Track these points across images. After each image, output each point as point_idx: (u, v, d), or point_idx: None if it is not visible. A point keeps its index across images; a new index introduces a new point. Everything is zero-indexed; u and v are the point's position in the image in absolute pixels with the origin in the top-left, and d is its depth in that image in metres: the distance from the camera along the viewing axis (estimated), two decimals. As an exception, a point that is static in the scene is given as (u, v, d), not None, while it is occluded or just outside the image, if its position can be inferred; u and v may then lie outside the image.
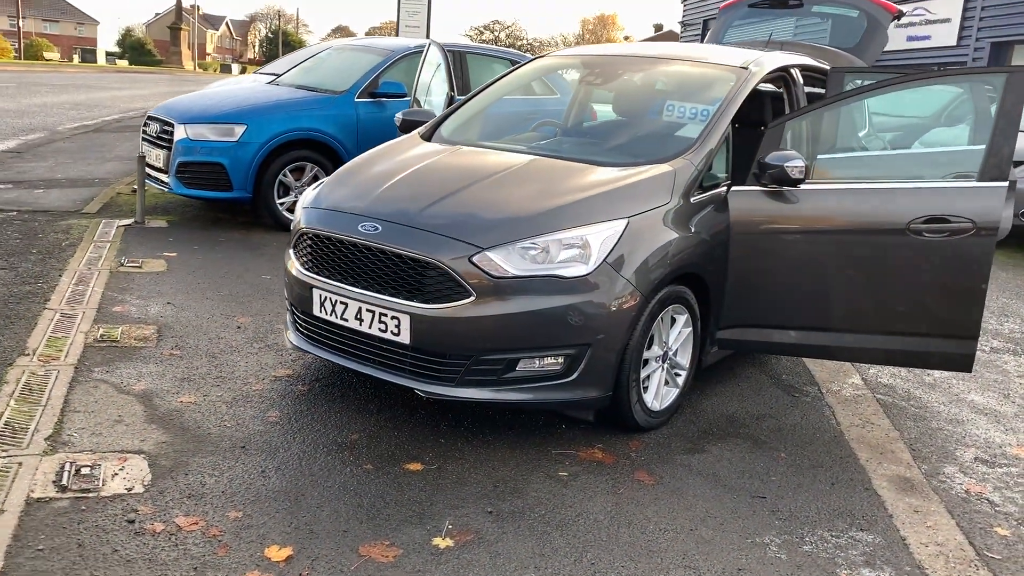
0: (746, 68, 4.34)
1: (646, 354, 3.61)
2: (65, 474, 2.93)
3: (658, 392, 3.75)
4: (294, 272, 3.72)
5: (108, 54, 60.55)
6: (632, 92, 4.86)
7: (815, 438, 3.85)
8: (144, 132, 7.67)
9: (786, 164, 3.78)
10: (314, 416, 3.58)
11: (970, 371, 3.83)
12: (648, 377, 3.70)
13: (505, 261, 3.24)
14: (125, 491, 2.86)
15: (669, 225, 3.62)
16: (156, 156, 7.26)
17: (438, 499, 2.99)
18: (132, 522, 2.68)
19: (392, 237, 3.39)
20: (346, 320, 3.48)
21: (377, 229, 3.43)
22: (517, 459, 3.36)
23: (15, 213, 7.09)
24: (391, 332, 3.37)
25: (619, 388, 3.51)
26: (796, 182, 3.80)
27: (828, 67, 4.96)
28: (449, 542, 2.73)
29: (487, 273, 3.22)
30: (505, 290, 3.24)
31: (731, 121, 4.07)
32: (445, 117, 4.71)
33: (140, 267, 5.64)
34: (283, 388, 3.83)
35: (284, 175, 7.20)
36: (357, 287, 3.44)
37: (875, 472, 3.54)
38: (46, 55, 55.63)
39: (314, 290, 3.60)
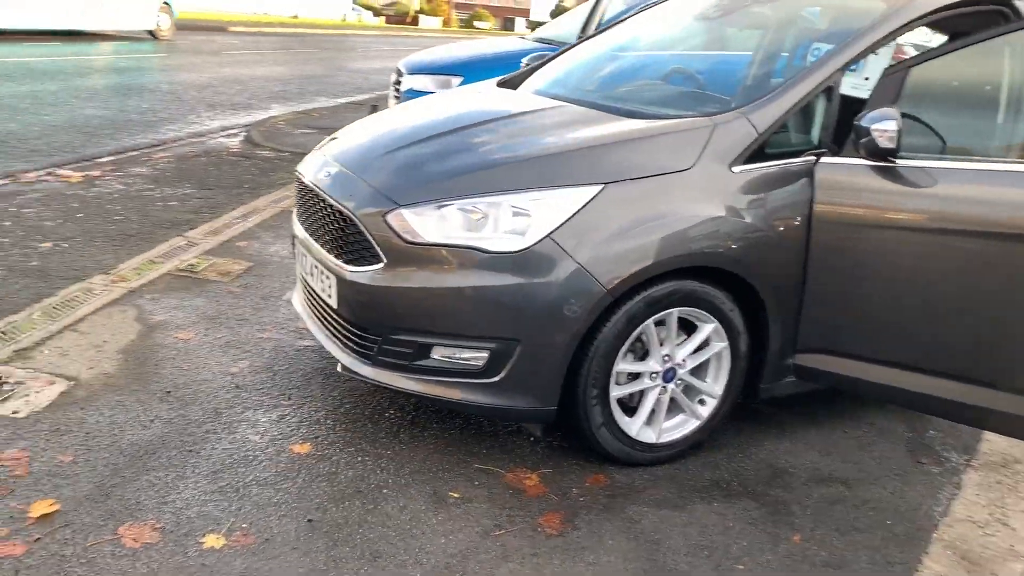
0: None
1: (628, 366, 2.76)
2: (-20, 386, 3.00)
3: (656, 419, 2.87)
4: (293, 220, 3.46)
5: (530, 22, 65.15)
6: (752, 28, 3.77)
7: (878, 524, 2.66)
8: (393, 84, 7.92)
9: (873, 126, 2.61)
10: (269, 384, 3.31)
11: None
12: (638, 397, 2.84)
13: (420, 223, 2.64)
14: (11, 414, 2.85)
15: (682, 199, 2.70)
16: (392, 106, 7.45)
17: (284, 490, 2.56)
18: (-28, 444, 2.65)
19: (335, 185, 2.96)
20: (307, 276, 3.14)
21: (330, 175, 3.02)
22: (422, 463, 2.77)
23: (279, 153, 7.74)
24: (326, 294, 2.96)
25: (572, 404, 2.73)
26: (885, 153, 2.61)
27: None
28: (222, 542, 2.30)
29: (398, 235, 2.65)
30: (416, 258, 2.65)
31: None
32: (546, 63, 4.07)
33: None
34: (273, 348, 3.60)
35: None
36: (315, 240, 3.07)
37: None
38: (477, 24, 61.66)
39: (294, 240, 3.32)
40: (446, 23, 52.24)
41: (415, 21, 53.10)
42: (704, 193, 2.73)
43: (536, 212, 2.59)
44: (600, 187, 2.63)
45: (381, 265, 2.68)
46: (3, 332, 3.45)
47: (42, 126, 8.14)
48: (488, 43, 8.45)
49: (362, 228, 2.72)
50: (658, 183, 2.70)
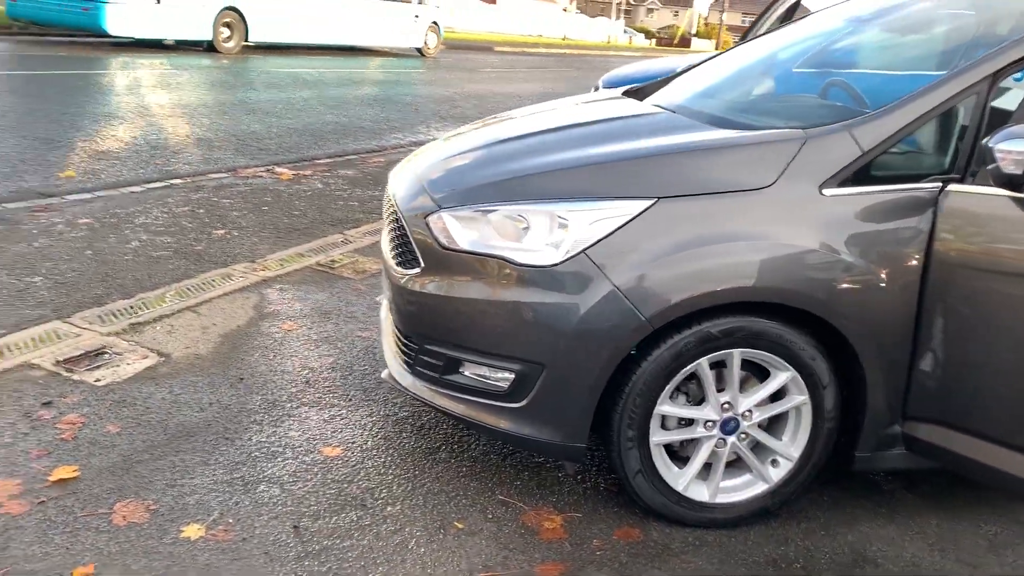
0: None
1: (677, 409, 2.41)
2: (82, 351, 3.24)
3: (712, 475, 2.47)
4: None
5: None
6: (912, 35, 3.17)
7: None
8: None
9: (998, 147, 2.09)
10: (338, 384, 3.28)
11: None
12: (691, 446, 2.47)
13: (457, 228, 2.47)
14: (93, 381, 3.04)
15: (751, 221, 2.31)
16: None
17: (289, 492, 2.50)
18: (48, 403, 2.85)
19: (400, 186, 2.86)
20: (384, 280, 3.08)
21: (402, 178, 2.93)
22: (444, 486, 2.59)
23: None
24: (387, 297, 2.89)
25: (606, 444, 2.43)
26: (1012, 180, 2.07)
27: None
28: (200, 533, 2.27)
29: (436, 239, 2.50)
30: (451, 265, 2.48)
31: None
32: (680, 74, 3.73)
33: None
34: (364, 348, 3.58)
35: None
36: (385, 242, 3.00)
37: None
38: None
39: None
40: (717, 45, 51.28)
41: (686, 43, 52.65)
42: (782, 217, 2.31)
43: (573, 224, 2.32)
44: (651, 202, 2.30)
45: (419, 270, 2.54)
46: (132, 306, 3.72)
47: (281, 129, 8.90)
48: (695, 58, 8.05)
49: (407, 229, 2.60)
50: (722, 201, 2.32)
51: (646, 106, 3.11)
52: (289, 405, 2.98)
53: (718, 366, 2.39)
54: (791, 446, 2.48)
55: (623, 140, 2.65)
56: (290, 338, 3.55)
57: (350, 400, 3.05)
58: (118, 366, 3.16)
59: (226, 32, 16.68)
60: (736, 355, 2.35)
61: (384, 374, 2.77)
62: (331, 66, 16.18)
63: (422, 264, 2.53)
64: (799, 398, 2.42)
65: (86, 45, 15.55)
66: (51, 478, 2.42)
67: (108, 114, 8.79)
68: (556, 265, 2.30)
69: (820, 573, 2.32)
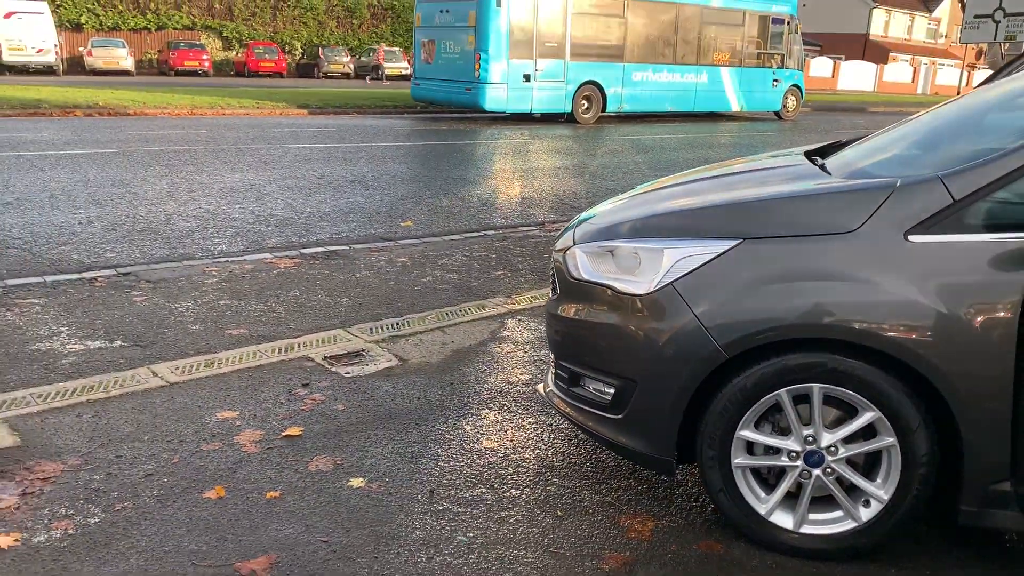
0: None
1: (762, 437, 2.60)
2: (345, 352, 4.19)
3: (802, 508, 2.62)
4: None
5: None
6: None
7: None
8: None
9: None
10: (533, 400, 3.83)
11: None
12: (767, 475, 2.65)
13: (580, 261, 2.94)
14: (344, 373, 3.95)
15: (830, 263, 2.48)
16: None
17: (450, 464, 3.10)
18: (307, 385, 3.80)
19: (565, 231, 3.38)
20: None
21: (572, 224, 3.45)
22: (569, 479, 3.01)
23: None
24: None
25: (691, 458, 2.71)
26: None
27: None
28: (361, 484, 2.96)
29: (567, 270, 3.00)
30: (573, 293, 2.95)
31: None
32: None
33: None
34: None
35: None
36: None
37: None
38: None
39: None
40: None
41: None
42: (864, 261, 2.42)
43: (665, 259, 2.66)
44: (736, 242, 2.57)
45: (556, 296, 3.04)
46: (397, 323, 4.64)
47: (599, 189, 9.78)
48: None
49: (553, 264, 3.11)
50: (804, 244, 2.50)
51: (801, 160, 3.27)
52: (476, 407, 3.60)
53: (805, 401, 2.53)
54: (882, 488, 2.50)
55: (746, 188, 2.90)
56: (507, 357, 4.18)
57: (526, 409, 3.58)
58: (366, 365, 4.04)
59: (585, 104, 18.58)
60: (816, 390, 2.48)
61: (539, 387, 3.27)
62: (678, 131, 16.94)
63: (558, 291, 3.01)
64: (887, 440, 2.46)
65: (467, 119, 18.17)
66: (283, 433, 3.29)
67: (460, 177, 10.36)
68: (647, 294, 2.64)
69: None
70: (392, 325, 4.62)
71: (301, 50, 40.83)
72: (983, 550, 2.64)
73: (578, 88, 18.68)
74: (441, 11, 18.32)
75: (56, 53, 30.87)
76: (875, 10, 58.14)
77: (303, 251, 6.35)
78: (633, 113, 19.94)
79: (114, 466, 2.98)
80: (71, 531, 2.57)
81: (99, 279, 5.36)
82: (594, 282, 2.81)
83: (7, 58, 29.81)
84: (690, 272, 2.57)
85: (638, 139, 15.20)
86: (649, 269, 2.67)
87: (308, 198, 8.53)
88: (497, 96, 17.70)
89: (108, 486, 2.84)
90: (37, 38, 30.11)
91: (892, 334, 2.36)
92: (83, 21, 35.60)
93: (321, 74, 38.95)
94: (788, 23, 21.98)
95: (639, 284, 2.66)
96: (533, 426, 3.43)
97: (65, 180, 8.94)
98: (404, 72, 38.76)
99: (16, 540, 2.51)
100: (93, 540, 2.53)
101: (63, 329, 4.38)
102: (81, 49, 33.92)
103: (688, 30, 20.37)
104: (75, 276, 5.42)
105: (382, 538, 2.61)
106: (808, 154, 3.46)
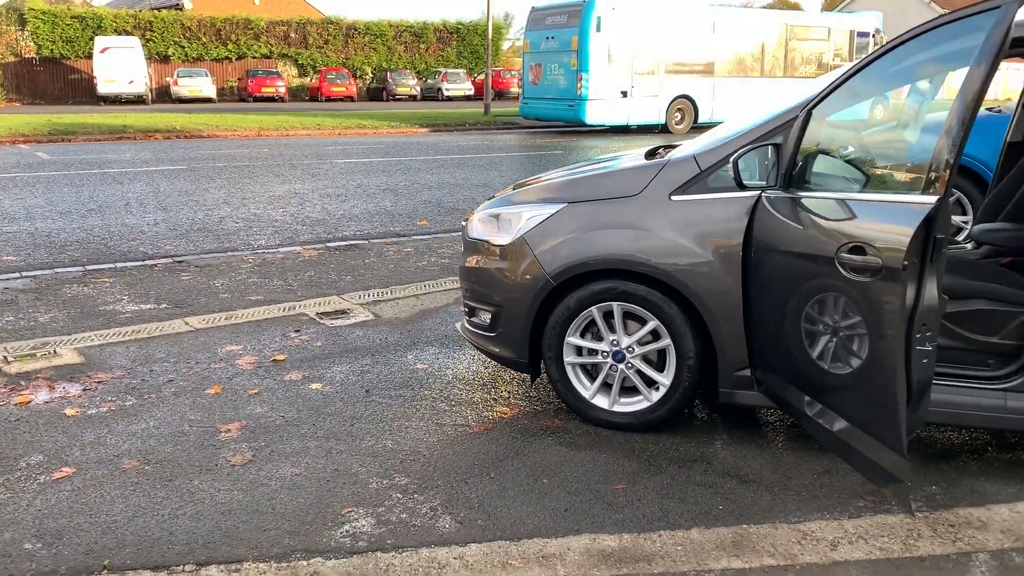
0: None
1: (584, 342, 3.62)
2: (334, 309, 5.37)
3: (614, 392, 3.66)
4: None
5: None
6: None
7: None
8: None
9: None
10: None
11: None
12: (592, 370, 3.69)
13: (473, 225, 4.04)
14: (329, 324, 5.13)
15: (622, 218, 3.54)
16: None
17: (384, 372, 4.24)
18: (298, 331, 4.99)
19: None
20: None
21: None
22: (474, 381, 4.11)
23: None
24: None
25: (538, 360, 3.78)
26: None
27: None
28: (319, 387, 4.12)
29: (467, 233, 4.11)
30: (470, 249, 4.06)
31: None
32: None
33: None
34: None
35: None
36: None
37: None
38: None
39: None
40: None
41: None
42: (643, 215, 3.45)
43: (522, 220, 3.74)
44: (563, 205, 3.64)
45: (462, 253, 4.16)
46: (383, 292, 5.81)
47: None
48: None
49: (462, 231, 4.23)
50: (606, 204, 3.55)
51: (640, 153, 4.30)
52: (423, 344, 4.71)
53: (612, 316, 3.58)
54: (665, 377, 3.52)
55: (582, 172, 3.97)
56: (461, 315, 5.28)
57: (460, 347, 4.68)
58: (348, 319, 5.21)
59: (678, 116, 20.39)
60: (616, 307, 3.53)
61: (457, 325, 4.38)
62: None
63: (463, 248, 4.12)
64: (665, 341, 3.49)
65: (569, 133, 19.98)
66: (272, 359, 4.47)
67: (498, 184, 11.50)
68: (508, 244, 3.73)
69: (663, 464, 3.35)
70: (379, 293, 5.80)
71: (371, 74, 42.88)
72: (739, 422, 3.60)
73: (671, 102, 20.61)
74: (547, 37, 21.15)
75: (146, 84, 33.44)
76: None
77: (328, 244, 7.59)
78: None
79: (147, 376, 4.21)
80: (112, 408, 3.79)
81: (157, 265, 6.69)
82: (480, 239, 3.91)
83: (102, 89, 32.52)
84: (535, 227, 3.65)
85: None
86: (513, 227, 3.76)
87: (343, 203, 9.82)
88: (596, 110, 20.22)
89: (141, 386, 4.07)
90: (129, 70, 32.74)
91: (662, 265, 3.38)
92: (170, 53, 38.32)
93: (389, 97, 40.85)
94: (873, 36, 23.20)
95: (505, 237, 3.75)
96: (459, 354, 4.53)
97: (140, 191, 10.46)
98: (467, 93, 40.41)
99: (76, 411, 3.74)
100: (126, 412, 3.74)
101: (124, 297, 5.69)
102: (168, 79, 36.53)
103: (775, 45, 22.34)
104: (139, 263, 6.76)
105: (323, 415, 3.75)
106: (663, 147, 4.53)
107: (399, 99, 40.59)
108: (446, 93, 40.41)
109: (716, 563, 2.60)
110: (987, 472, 3.21)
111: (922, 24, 2.72)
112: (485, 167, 13.72)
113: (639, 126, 21.05)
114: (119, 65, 32.53)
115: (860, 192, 2.99)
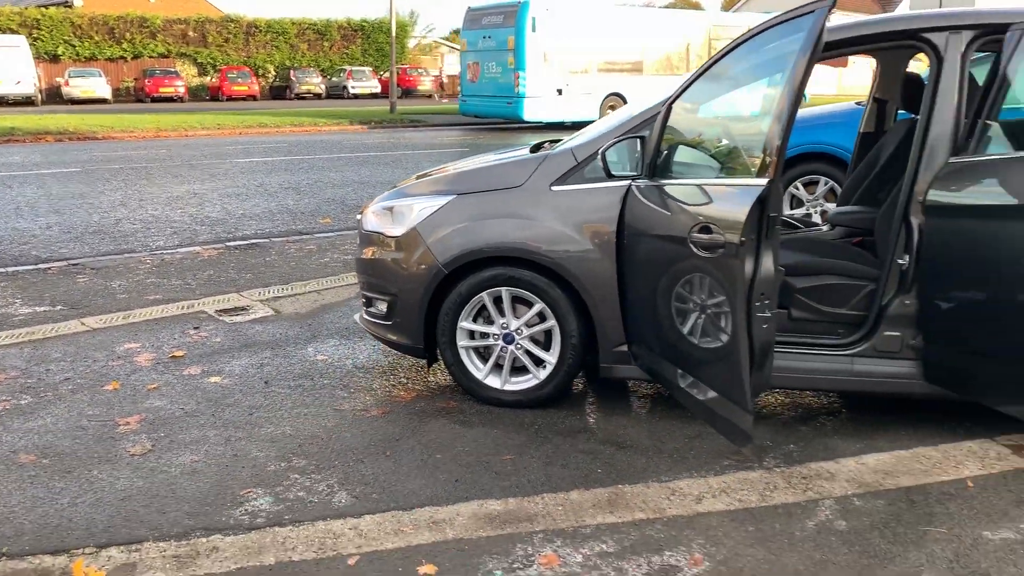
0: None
1: (476, 326, 3.82)
2: (233, 307, 5.43)
3: (505, 372, 3.85)
4: None
5: None
6: None
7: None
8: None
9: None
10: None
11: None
12: (484, 352, 3.88)
13: (368, 218, 4.18)
14: (228, 320, 5.19)
15: (507, 208, 3.74)
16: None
17: (280, 363, 4.35)
18: (197, 328, 5.04)
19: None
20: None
21: None
22: (373, 369, 4.26)
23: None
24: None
25: (433, 346, 3.95)
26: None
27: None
28: (198, 370, 4.20)
29: (362, 226, 4.25)
30: (364, 241, 4.20)
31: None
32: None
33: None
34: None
35: (796, 188, 7.45)
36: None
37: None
38: None
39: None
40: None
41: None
42: (527, 204, 3.67)
43: (414, 212, 3.91)
44: (452, 197, 3.83)
45: (357, 246, 4.29)
46: (283, 288, 5.89)
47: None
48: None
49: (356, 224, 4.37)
50: (492, 195, 3.76)
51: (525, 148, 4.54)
52: (323, 338, 4.83)
53: (501, 301, 3.78)
54: (552, 356, 3.75)
55: (471, 165, 4.17)
56: (360, 308, 5.41)
57: (361, 338, 4.83)
58: (248, 316, 5.28)
59: (611, 112, 20.73)
60: (504, 292, 3.74)
61: (355, 316, 4.52)
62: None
63: (358, 242, 4.27)
64: (551, 322, 3.71)
65: (508, 130, 20.47)
66: (170, 355, 4.53)
67: (390, 180, 11.58)
68: (402, 235, 3.90)
69: (549, 435, 3.57)
70: (278, 289, 5.87)
71: (275, 73, 42.17)
72: (619, 395, 3.87)
73: (604, 99, 21.83)
74: (484, 37, 22.01)
75: (35, 84, 32.09)
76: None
77: (228, 244, 7.59)
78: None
79: (43, 375, 4.21)
80: (7, 407, 3.79)
81: (52, 268, 6.59)
82: (375, 231, 4.06)
83: (-14, 91, 31.09)
84: (426, 218, 3.83)
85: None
86: (406, 219, 3.92)
87: (243, 203, 9.78)
88: (534, 108, 21.06)
89: (37, 385, 4.07)
90: (15, 70, 31.36)
91: (546, 252, 3.61)
92: (60, 52, 36.86)
93: (293, 95, 40.27)
94: None
95: (399, 229, 3.91)
96: (359, 345, 4.67)
97: (30, 195, 10.17)
98: (374, 91, 40.19)
99: (-31, 412, 3.74)
100: (22, 411, 3.76)
101: (17, 300, 5.61)
102: (59, 79, 35.13)
103: (700, 44, 23.61)
104: (32, 267, 6.65)
105: (223, 406, 3.84)
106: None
107: (304, 97, 40.07)
108: (352, 91, 40.15)
109: (592, 519, 2.83)
110: (840, 431, 3.55)
111: (759, 24, 3.02)
112: (390, 164, 13.81)
113: (574, 123, 21.30)
114: (4, 65, 31.12)
115: (714, 178, 3.28)
